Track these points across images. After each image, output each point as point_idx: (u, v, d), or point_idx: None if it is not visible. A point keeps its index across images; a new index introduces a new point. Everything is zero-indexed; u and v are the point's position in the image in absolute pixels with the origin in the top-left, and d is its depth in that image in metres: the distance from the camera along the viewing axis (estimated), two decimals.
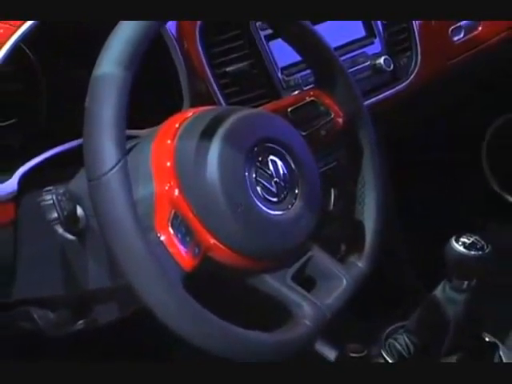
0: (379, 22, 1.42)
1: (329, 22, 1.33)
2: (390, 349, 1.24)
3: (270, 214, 0.98)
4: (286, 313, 1.00)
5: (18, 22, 1.00)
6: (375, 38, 1.41)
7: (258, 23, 1.24)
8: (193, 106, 1.12)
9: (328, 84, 1.14)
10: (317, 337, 1.06)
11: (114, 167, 0.86)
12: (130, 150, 0.97)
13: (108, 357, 1.50)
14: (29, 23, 1.01)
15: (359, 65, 1.37)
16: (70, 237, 1.01)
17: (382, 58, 1.39)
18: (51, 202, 1.00)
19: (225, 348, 0.92)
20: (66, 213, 0.99)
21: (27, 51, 1.11)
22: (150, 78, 1.01)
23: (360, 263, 1.10)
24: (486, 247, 1.14)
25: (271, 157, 1.00)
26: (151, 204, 0.93)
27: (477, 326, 1.22)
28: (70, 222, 1.00)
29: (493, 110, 1.94)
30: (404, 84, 1.44)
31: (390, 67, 1.40)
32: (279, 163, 1.00)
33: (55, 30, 1.04)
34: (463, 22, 1.55)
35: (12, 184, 0.99)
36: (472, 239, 1.15)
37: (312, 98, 1.13)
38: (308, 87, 1.21)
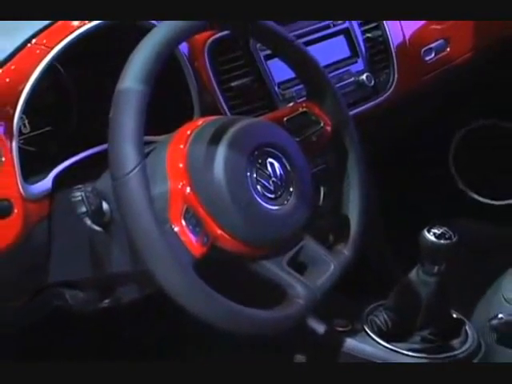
0: (362, 44, 1.42)
1: (319, 43, 1.33)
2: (371, 324, 1.24)
3: (268, 208, 0.98)
4: (282, 293, 1.00)
5: (53, 44, 1.00)
6: (358, 57, 1.41)
7: (258, 45, 1.24)
8: (202, 115, 1.12)
9: (318, 97, 1.14)
10: (308, 313, 1.06)
11: (134, 169, 0.86)
12: (148, 153, 0.97)
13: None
14: (61, 44, 1.01)
15: (345, 81, 1.36)
16: (97, 228, 1.00)
17: (365, 75, 1.39)
18: (80, 198, 0.99)
19: (228, 323, 0.92)
20: (93, 207, 0.99)
21: (59, 68, 1.10)
22: (166, 92, 1.01)
23: (346, 251, 1.10)
24: (453, 237, 1.14)
25: (269, 159, 1.00)
26: (166, 200, 0.93)
27: (445, 304, 1.22)
28: (96, 215, 0.99)
29: (458, 120, 1.94)
30: (383, 97, 1.44)
31: (371, 83, 1.40)
32: (276, 165, 1.00)
33: (84, 50, 1.04)
34: (433, 45, 1.55)
35: (47, 183, 0.99)
36: (442, 230, 1.14)
37: (304, 109, 1.13)
38: (301, 100, 1.20)
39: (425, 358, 1.19)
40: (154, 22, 1.09)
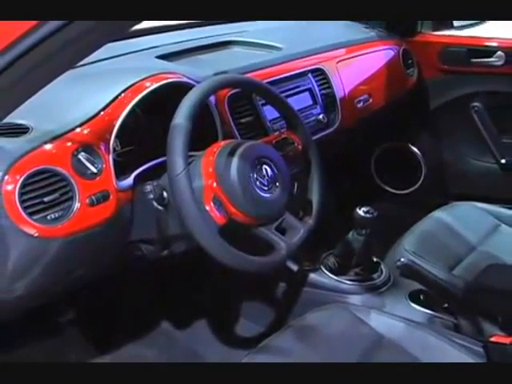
0: (319, 97, 1.38)
1: (294, 96, 1.31)
2: (325, 264, 1.23)
3: (264, 196, 0.97)
4: (272, 247, 0.98)
5: (134, 96, 0.98)
6: (317, 105, 1.38)
7: (257, 97, 1.21)
8: (223, 139, 1.10)
9: (293, 128, 1.12)
10: (287, 259, 1.05)
11: (182, 171, 0.86)
12: (191, 162, 0.95)
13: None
14: (139, 96, 0.98)
15: (309, 118, 1.34)
16: (160, 207, 0.98)
17: (321, 115, 1.37)
18: (150, 189, 0.98)
19: (239, 265, 0.91)
20: (157, 195, 0.97)
21: (138, 111, 1.08)
22: (201, 125, 0.98)
23: (310, 221, 1.08)
24: (374, 213, 1.13)
25: (264, 166, 0.98)
26: (201, 190, 0.92)
27: (369, 253, 1.20)
28: (159, 200, 0.98)
29: (377, 142, 1.92)
30: (332, 129, 1.41)
31: (325, 120, 1.37)
32: (268, 169, 0.99)
33: (152, 99, 1.02)
34: (362, 97, 1.51)
35: (130, 180, 0.97)
36: (367, 208, 1.13)
37: (285, 135, 1.12)
38: (283, 129, 1.18)
39: (357, 285, 1.18)
40: (194, 82, 1.07)
